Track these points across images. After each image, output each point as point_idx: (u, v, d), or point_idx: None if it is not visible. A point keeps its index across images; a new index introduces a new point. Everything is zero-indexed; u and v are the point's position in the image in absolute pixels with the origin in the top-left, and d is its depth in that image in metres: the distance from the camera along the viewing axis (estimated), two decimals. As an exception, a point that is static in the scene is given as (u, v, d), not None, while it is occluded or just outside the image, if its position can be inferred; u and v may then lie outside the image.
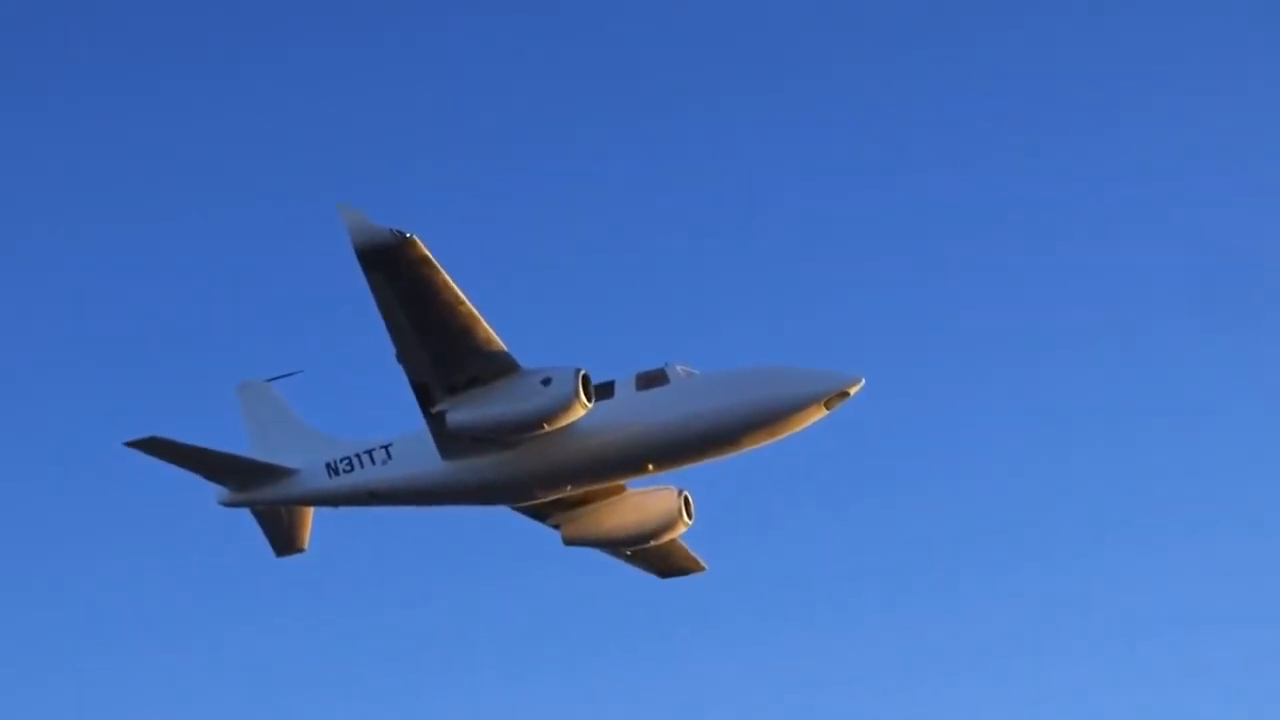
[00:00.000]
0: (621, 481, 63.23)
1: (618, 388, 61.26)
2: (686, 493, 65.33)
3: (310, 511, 67.20)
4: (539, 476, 61.63)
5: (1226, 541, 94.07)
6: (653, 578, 70.10)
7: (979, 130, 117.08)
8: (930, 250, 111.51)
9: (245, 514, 67.34)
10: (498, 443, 60.98)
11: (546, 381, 58.60)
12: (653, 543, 65.53)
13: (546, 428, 58.96)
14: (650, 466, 61.24)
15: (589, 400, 58.57)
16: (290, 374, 67.69)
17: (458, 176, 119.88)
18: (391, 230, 54.33)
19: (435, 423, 60.17)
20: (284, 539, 68.00)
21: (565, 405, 58.31)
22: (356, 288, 56.18)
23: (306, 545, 68.55)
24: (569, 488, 62.06)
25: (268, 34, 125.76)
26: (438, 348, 57.79)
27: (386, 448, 63.91)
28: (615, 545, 65.81)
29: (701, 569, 70.19)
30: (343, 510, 66.46)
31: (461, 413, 59.18)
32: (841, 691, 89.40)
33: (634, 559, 68.58)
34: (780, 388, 59.77)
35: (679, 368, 61.00)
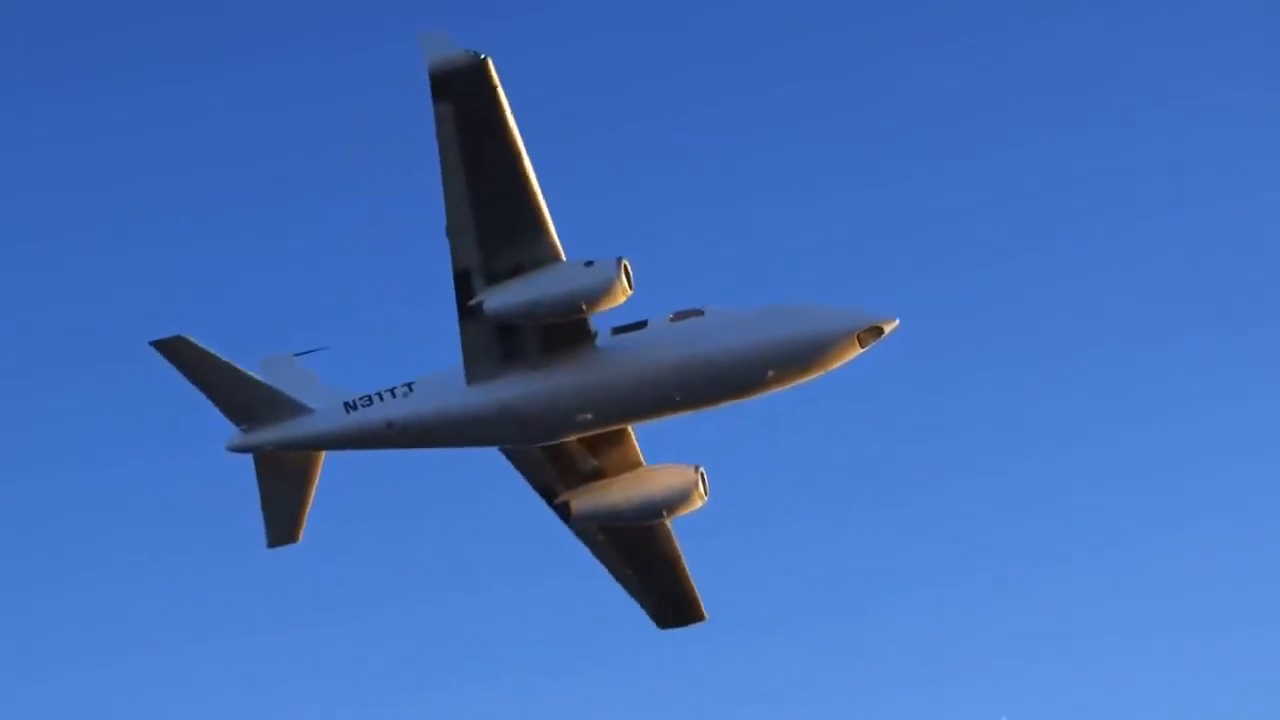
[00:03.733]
0: (647, 418, 62.42)
1: (651, 322, 61.76)
2: (703, 469, 64.45)
3: (313, 487, 65.69)
4: (564, 402, 61.13)
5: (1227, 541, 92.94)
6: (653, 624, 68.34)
7: (978, 130, 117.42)
8: (930, 250, 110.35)
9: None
10: (526, 362, 60.93)
11: (589, 264, 59.26)
12: (666, 516, 64.03)
13: (585, 309, 59.07)
14: (678, 398, 60.87)
15: (630, 287, 59.04)
16: (316, 350, 67.74)
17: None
18: (467, 50, 56.58)
19: (470, 321, 60.25)
20: (281, 519, 66.13)
21: (607, 286, 58.71)
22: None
23: (301, 534, 66.72)
24: (590, 416, 61.33)
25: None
26: (489, 219, 58.57)
27: (409, 385, 63.54)
28: (625, 517, 64.23)
29: (702, 617, 68.17)
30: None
31: (501, 297, 59.47)
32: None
33: (640, 581, 66.79)
34: (815, 320, 60.38)
35: (715, 307, 61.70)
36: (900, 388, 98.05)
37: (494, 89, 56.75)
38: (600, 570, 67.09)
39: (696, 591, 67.28)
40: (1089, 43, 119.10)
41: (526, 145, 57.61)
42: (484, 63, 56.32)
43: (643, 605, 67.78)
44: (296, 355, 67.85)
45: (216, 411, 64.36)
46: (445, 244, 60.12)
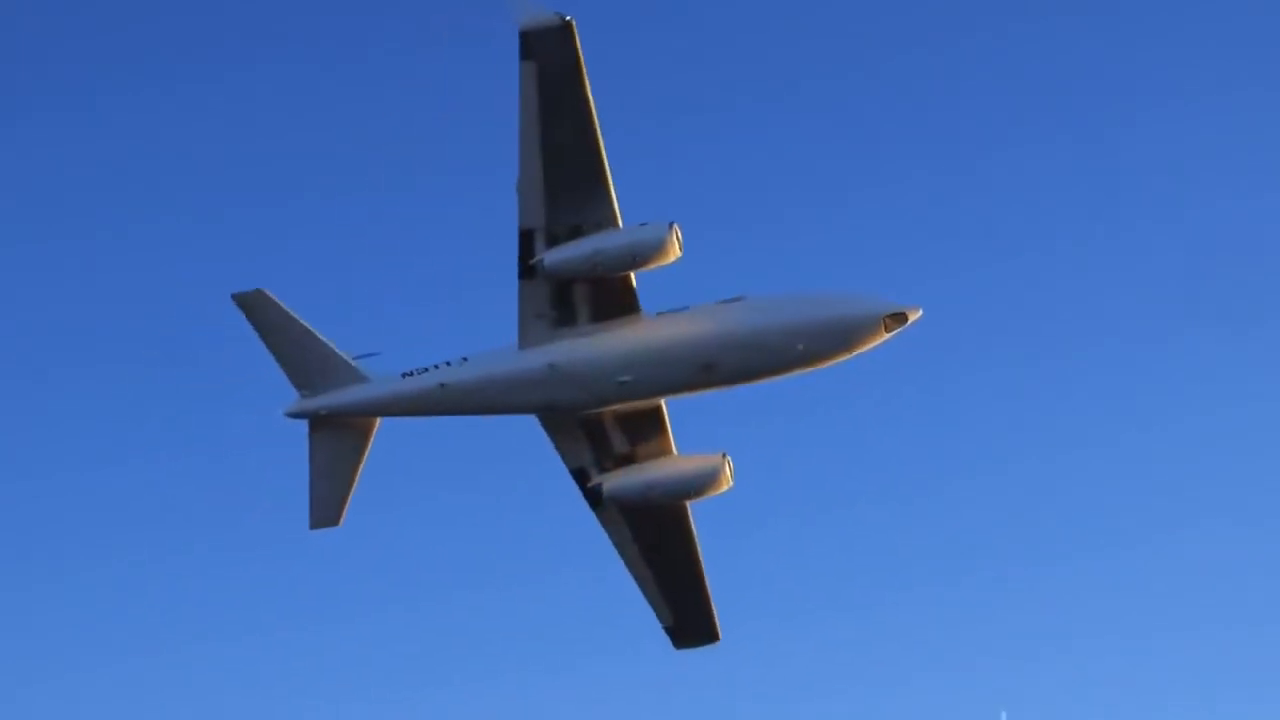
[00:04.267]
0: (682, 391, 66.89)
1: (693, 305, 67.28)
2: (730, 457, 68.54)
3: (362, 462, 69.56)
4: (607, 364, 65.98)
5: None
6: (670, 644, 71.12)
7: (978, 130, 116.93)
8: (929, 250, 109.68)
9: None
10: (575, 329, 66.17)
11: (644, 224, 65.21)
12: (694, 495, 67.72)
13: (640, 263, 64.65)
14: (714, 368, 65.74)
15: (680, 249, 64.82)
16: (369, 355, 72.08)
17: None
18: (556, 12, 63.93)
19: (529, 281, 65.71)
20: (327, 496, 69.68)
21: (659, 243, 64.52)
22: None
23: (343, 517, 70.28)
24: (630, 378, 65.96)
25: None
26: (558, 178, 64.73)
27: (464, 358, 68.41)
28: (656, 490, 67.84)
29: (716, 637, 71.04)
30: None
31: (559, 253, 65.14)
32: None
33: (658, 584, 69.90)
34: (845, 303, 65.99)
35: (753, 295, 67.31)
36: (900, 385, 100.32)
37: (576, 50, 63.83)
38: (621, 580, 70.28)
39: (713, 604, 70.25)
40: (1088, 43, 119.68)
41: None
42: (569, 24, 63.58)
43: (659, 616, 70.58)
44: (356, 358, 72.31)
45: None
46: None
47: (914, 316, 66.13)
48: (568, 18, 63.71)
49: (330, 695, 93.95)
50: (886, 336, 65.91)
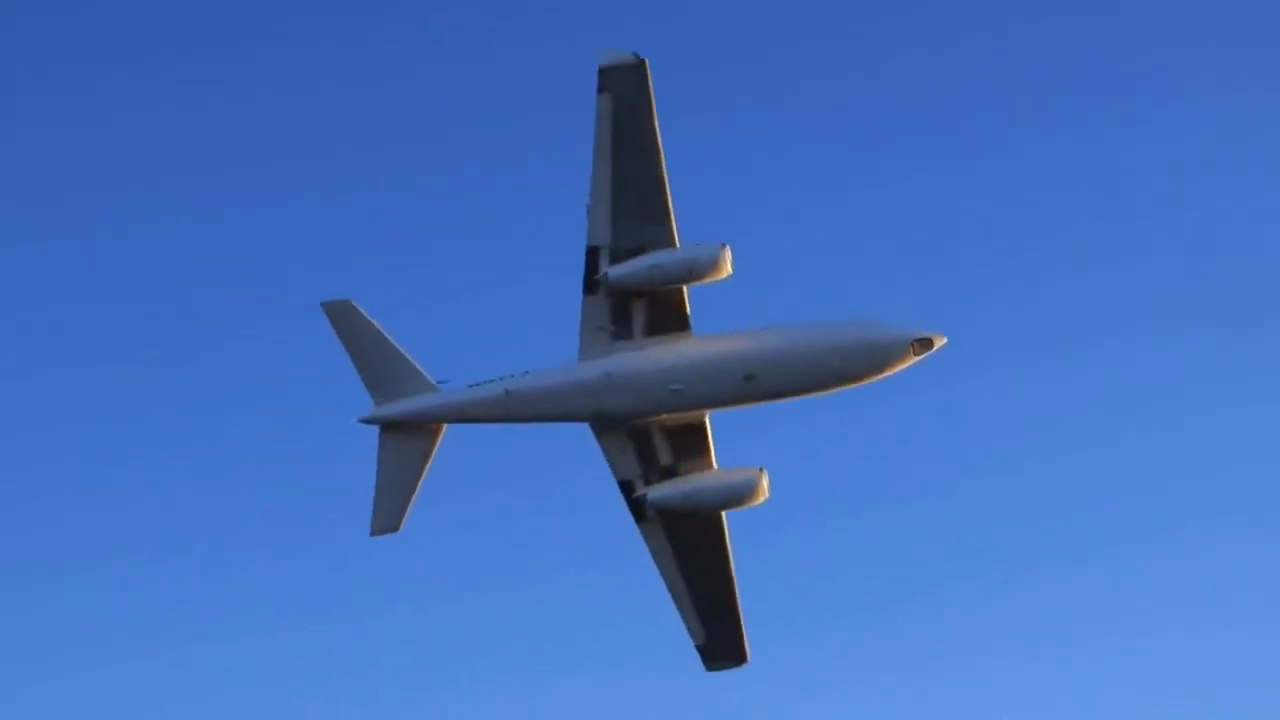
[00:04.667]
0: (726, 404, 73.09)
1: (737, 329, 74.27)
2: (766, 471, 74.28)
3: (425, 469, 75.32)
4: (659, 374, 72.54)
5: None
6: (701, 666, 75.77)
7: (977, 131, 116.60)
8: (930, 251, 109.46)
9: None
10: (631, 343, 73.04)
11: (699, 244, 72.69)
12: (732, 508, 73.26)
13: (693, 278, 71.88)
14: (756, 382, 72.23)
15: (730, 268, 72.14)
16: (442, 382, 78.23)
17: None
18: (631, 52, 72.65)
19: (592, 295, 72.81)
20: (390, 502, 75.31)
21: (713, 259, 71.90)
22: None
23: (402, 523, 75.82)
24: (679, 387, 72.36)
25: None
26: (624, 200, 72.49)
27: (525, 372, 75.03)
28: (697, 498, 73.36)
29: (745, 659, 75.66)
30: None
31: (623, 268, 72.46)
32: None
33: (691, 597, 74.86)
34: (877, 328, 72.93)
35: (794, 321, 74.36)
36: (911, 398, 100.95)
37: (648, 87, 72.39)
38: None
39: (743, 625, 75.05)
40: (1088, 43, 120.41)
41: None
42: (643, 63, 72.32)
43: (692, 634, 75.29)
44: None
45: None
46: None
47: (939, 343, 72.86)
48: (641, 57, 72.45)
49: (358, 693, 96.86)
50: (914, 360, 72.52)
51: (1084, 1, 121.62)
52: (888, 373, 72.69)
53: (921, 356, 72.77)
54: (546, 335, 78.78)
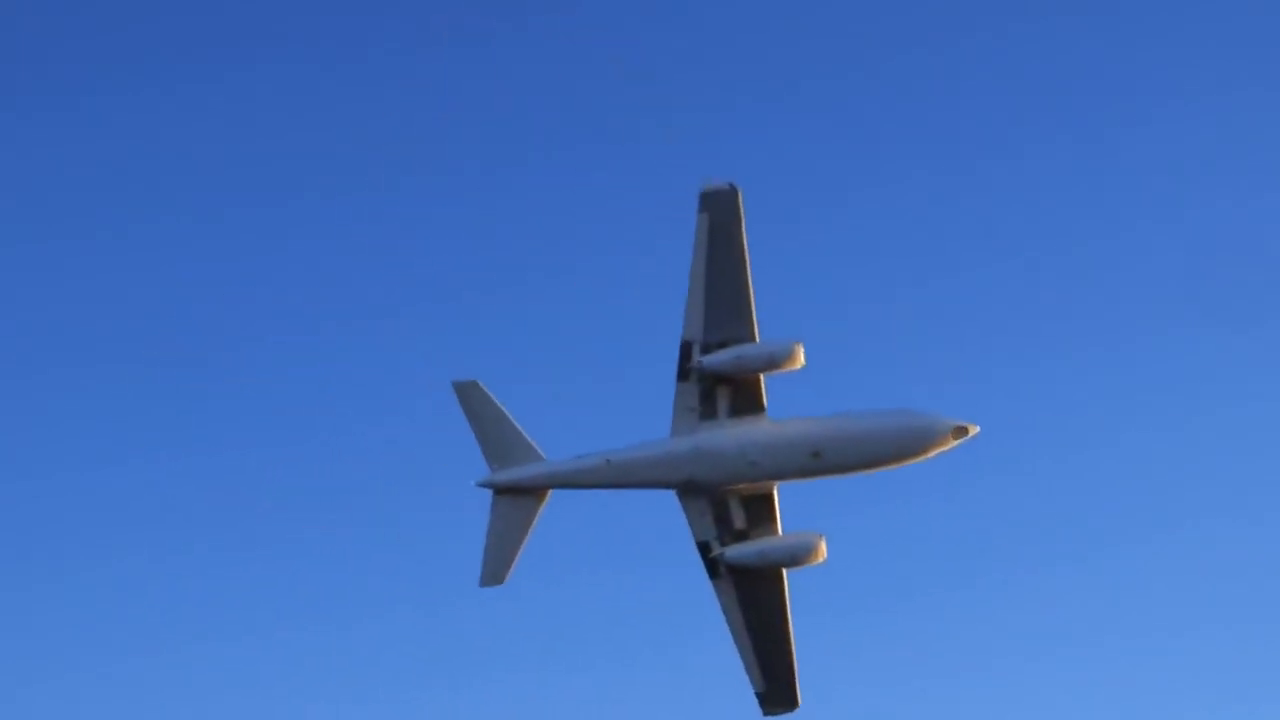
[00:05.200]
0: (794, 476, 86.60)
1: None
2: (825, 537, 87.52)
3: (530, 530, 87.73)
4: (739, 448, 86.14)
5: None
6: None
7: (977, 131, 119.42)
8: (931, 252, 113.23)
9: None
10: (715, 421, 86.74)
11: (777, 340, 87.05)
12: (794, 568, 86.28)
13: (772, 368, 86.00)
14: (820, 458, 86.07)
15: (803, 360, 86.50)
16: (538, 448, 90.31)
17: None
18: (728, 181, 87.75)
19: (685, 382, 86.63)
20: (498, 558, 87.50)
21: (790, 353, 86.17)
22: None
23: (507, 577, 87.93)
24: (755, 460, 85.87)
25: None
26: (716, 302, 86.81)
27: (624, 447, 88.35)
28: (768, 556, 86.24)
29: (796, 705, 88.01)
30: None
31: (714, 358, 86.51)
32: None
33: (754, 646, 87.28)
34: (924, 417, 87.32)
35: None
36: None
37: (739, 210, 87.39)
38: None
39: (797, 674, 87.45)
40: (1088, 43, 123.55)
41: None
42: (736, 191, 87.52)
43: (753, 681, 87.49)
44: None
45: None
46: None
47: (973, 431, 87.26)
48: (736, 186, 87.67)
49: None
50: (953, 444, 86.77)
51: (1084, 1, 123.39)
52: (931, 454, 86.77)
53: (960, 441, 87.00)
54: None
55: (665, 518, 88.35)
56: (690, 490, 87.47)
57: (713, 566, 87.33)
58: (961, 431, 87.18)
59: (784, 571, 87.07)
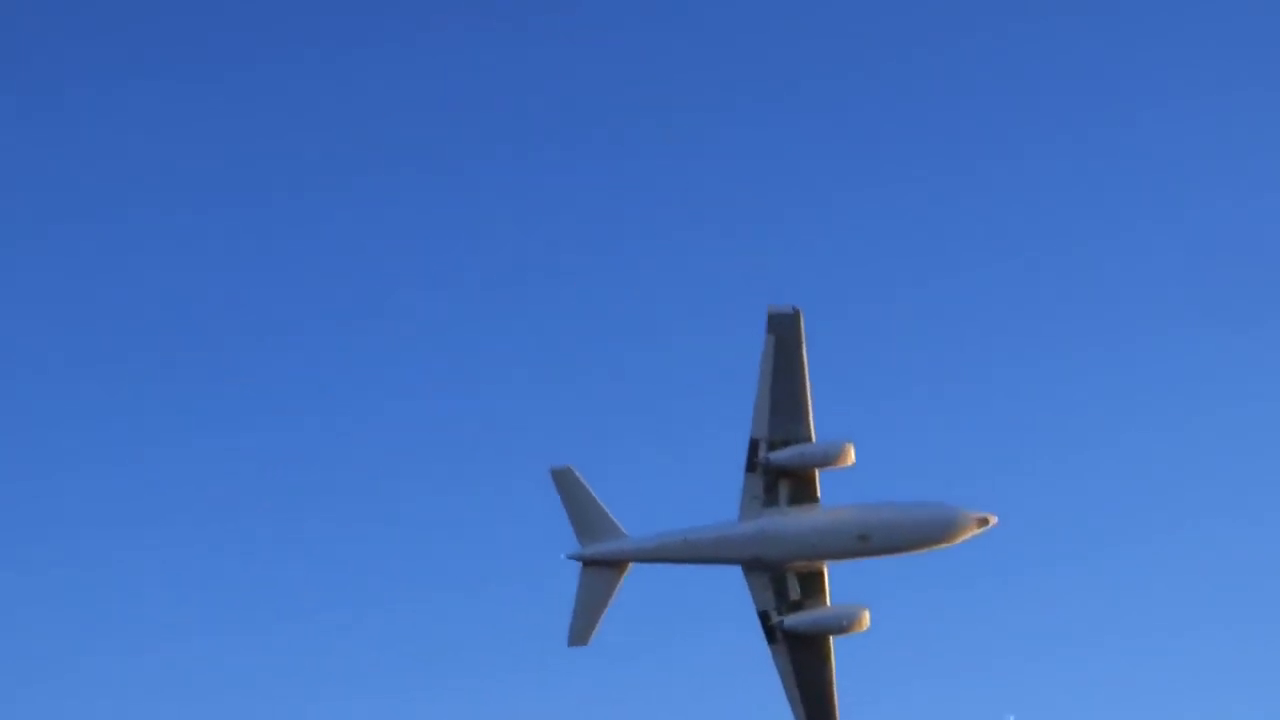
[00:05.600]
0: (843, 555, 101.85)
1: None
2: (869, 609, 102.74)
3: (612, 599, 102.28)
4: (798, 531, 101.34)
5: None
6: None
7: (980, 133, 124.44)
8: (932, 253, 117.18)
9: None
10: (777, 509, 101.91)
11: (832, 440, 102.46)
12: (842, 634, 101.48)
13: (826, 465, 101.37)
14: (866, 540, 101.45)
15: (854, 459, 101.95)
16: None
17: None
18: (792, 305, 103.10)
19: (752, 474, 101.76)
20: (584, 623, 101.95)
21: (843, 451, 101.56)
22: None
23: (591, 639, 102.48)
24: (814, 541, 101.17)
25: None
26: (780, 407, 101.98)
27: (699, 528, 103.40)
28: (819, 624, 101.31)
29: None
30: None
31: (780, 454, 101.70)
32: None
33: (804, 703, 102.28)
34: (952, 508, 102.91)
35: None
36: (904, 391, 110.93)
37: (800, 330, 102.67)
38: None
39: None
40: (1088, 43, 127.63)
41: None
42: (799, 313, 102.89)
43: None
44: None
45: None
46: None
47: (993, 521, 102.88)
48: (798, 309, 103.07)
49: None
50: (977, 531, 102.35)
51: (1084, 1, 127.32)
52: (958, 540, 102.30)
53: (982, 529, 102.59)
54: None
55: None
56: (754, 566, 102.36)
57: (771, 633, 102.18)
58: (983, 521, 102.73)
59: (831, 638, 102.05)
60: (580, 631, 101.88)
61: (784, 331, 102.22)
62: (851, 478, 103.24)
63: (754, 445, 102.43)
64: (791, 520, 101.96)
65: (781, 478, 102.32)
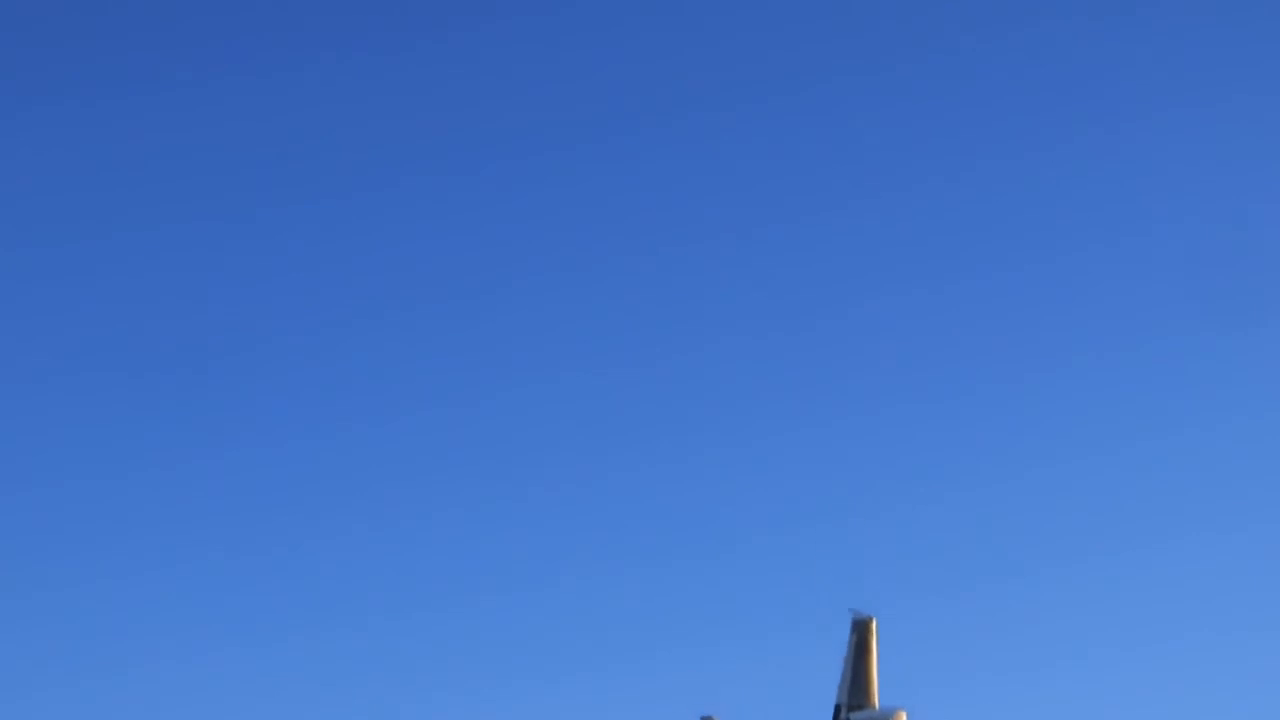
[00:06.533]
0: None
1: None
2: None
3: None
4: None
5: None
6: None
7: (980, 134, 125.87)
8: (933, 253, 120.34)
9: None
10: None
11: (892, 706, 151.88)
12: None
13: None
14: None
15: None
16: None
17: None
18: (869, 615, 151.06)
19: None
20: None
21: (895, 716, 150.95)
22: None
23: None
24: None
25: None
26: (854, 685, 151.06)
27: None
28: None
29: None
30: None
31: (854, 716, 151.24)
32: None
33: None
34: None
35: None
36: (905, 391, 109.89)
37: (873, 631, 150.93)
38: None
39: None
40: (1088, 43, 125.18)
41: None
42: (872, 620, 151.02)
43: None
44: None
45: None
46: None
47: None
48: (872, 616, 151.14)
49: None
50: None
51: (1084, 2, 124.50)
52: None
53: None
54: None
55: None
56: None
57: None
58: None
59: None
60: None
61: (861, 633, 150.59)
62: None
63: (838, 710, 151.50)
64: None
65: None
